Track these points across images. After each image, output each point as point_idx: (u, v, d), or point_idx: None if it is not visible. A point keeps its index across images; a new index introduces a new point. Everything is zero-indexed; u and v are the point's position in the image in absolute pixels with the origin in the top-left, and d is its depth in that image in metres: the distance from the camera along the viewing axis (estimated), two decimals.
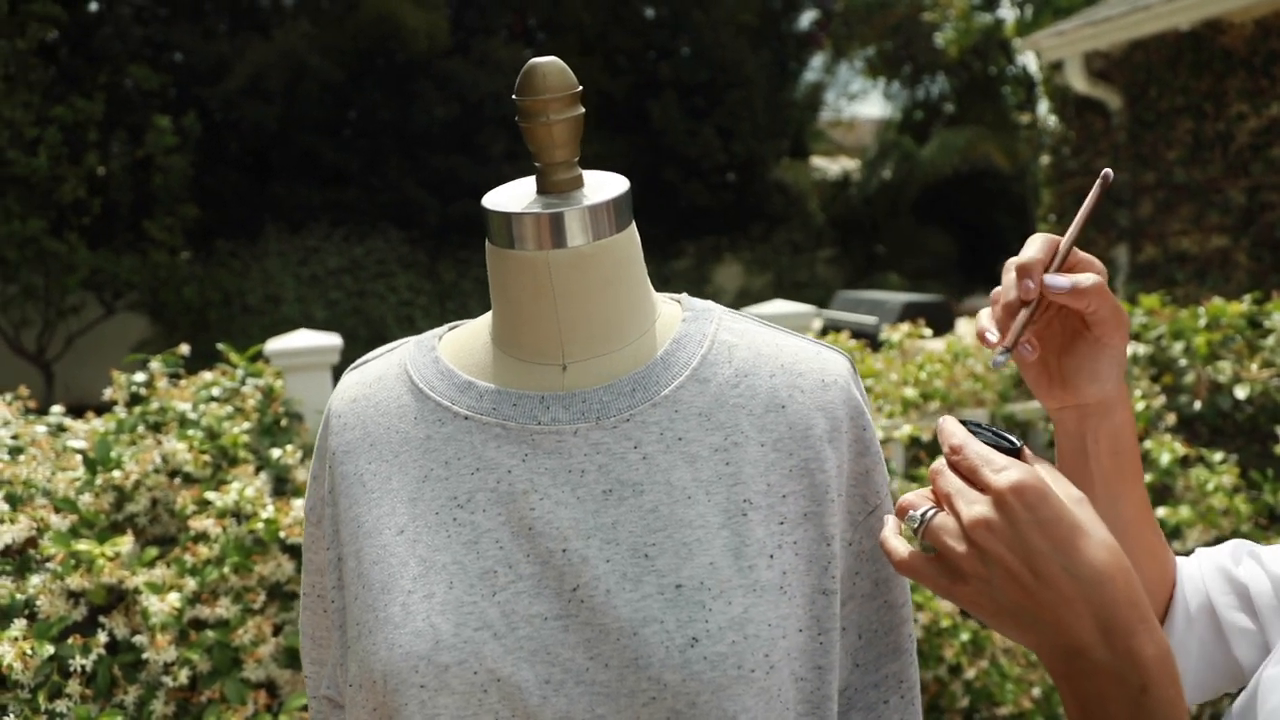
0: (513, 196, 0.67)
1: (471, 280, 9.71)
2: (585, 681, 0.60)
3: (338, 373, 2.31)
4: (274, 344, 1.94)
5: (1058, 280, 0.58)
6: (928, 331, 2.83)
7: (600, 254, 0.66)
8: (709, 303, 0.72)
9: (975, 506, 0.49)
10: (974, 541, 0.48)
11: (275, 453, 1.80)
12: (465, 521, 0.63)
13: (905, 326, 2.83)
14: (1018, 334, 0.60)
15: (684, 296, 0.73)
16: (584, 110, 0.64)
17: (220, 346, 2.05)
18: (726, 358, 0.67)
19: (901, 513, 0.56)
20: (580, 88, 0.64)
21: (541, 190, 0.66)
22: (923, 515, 0.54)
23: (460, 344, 0.72)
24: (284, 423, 1.92)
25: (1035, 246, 0.60)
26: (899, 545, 0.56)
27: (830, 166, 14.17)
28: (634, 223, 0.69)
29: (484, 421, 0.65)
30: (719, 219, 11.08)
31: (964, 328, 5.78)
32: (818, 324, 6.78)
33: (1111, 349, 0.61)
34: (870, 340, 3.02)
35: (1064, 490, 0.50)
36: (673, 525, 0.61)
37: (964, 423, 0.55)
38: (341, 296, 9.25)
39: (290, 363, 1.94)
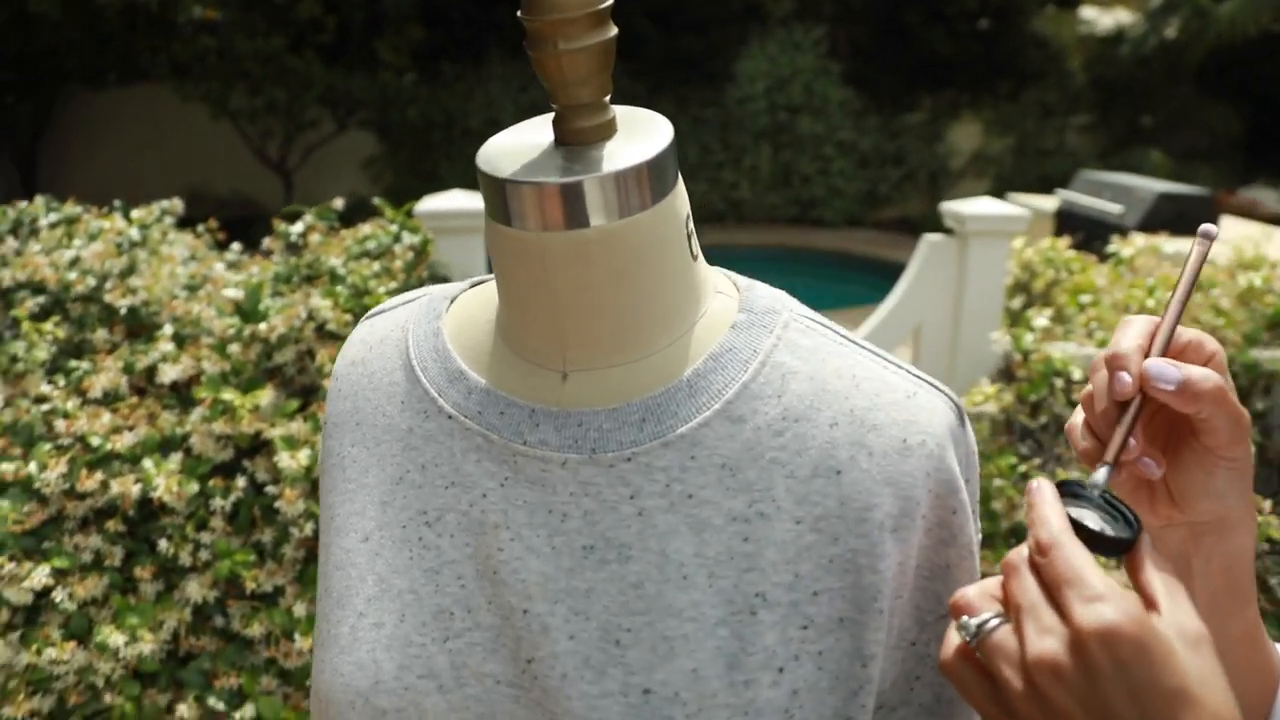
0: (518, 147, 0.53)
1: (689, 120, 9.43)
2: None
3: None
4: (425, 204, 1.89)
5: (1163, 370, 0.47)
6: (1168, 247, 2.37)
7: (617, 238, 0.51)
8: (779, 296, 0.57)
9: (1047, 640, 0.40)
10: (1035, 683, 0.40)
11: None
12: (431, 544, 0.55)
13: (1141, 240, 2.38)
14: (1121, 444, 0.48)
15: (749, 284, 0.57)
16: (614, 33, 0.48)
17: (376, 201, 2.03)
18: (777, 390, 0.52)
19: (956, 613, 0.45)
20: (608, 1, 0.48)
21: (559, 139, 0.52)
22: (979, 625, 0.43)
23: (469, 315, 0.61)
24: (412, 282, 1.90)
25: (1131, 331, 0.50)
26: (951, 638, 0.45)
27: (1102, 19, 12.26)
28: (678, 186, 0.53)
29: (467, 426, 0.55)
30: (962, 71, 10.03)
31: (1235, 229, 4.89)
32: (1050, 205, 6.02)
33: (1230, 461, 0.49)
34: (1111, 232, 2.59)
35: (1178, 626, 0.41)
36: (657, 611, 0.50)
37: (1066, 488, 0.46)
38: None
39: (441, 224, 1.90)
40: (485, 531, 0.54)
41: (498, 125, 9.22)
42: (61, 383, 1.71)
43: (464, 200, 1.94)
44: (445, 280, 1.94)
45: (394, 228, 1.98)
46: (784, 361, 0.53)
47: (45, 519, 1.58)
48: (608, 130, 0.52)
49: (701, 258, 0.57)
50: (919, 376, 0.55)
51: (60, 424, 1.62)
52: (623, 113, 0.54)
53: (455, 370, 0.58)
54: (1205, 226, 0.50)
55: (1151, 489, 0.53)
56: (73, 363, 1.73)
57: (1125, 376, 0.49)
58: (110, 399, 1.72)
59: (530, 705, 0.51)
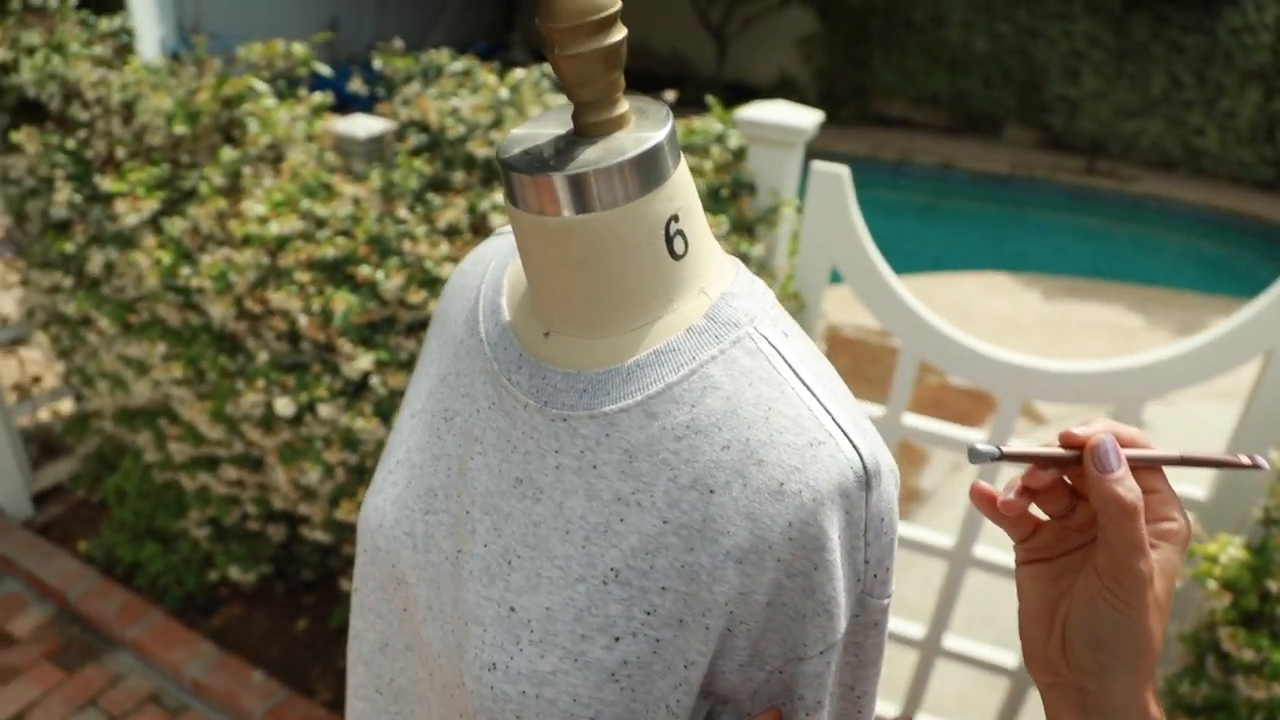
0: (534, 135, 0.59)
1: (1163, 44, 7.97)
2: (446, 624, 0.63)
3: (812, 155, 2.20)
4: (747, 110, 1.90)
5: (1109, 451, 0.48)
6: None
7: (576, 232, 0.56)
8: (755, 310, 0.58)
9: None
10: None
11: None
12: (443, 435, 0.67)
13: None
14: (1027, 454, 0.51)
15: (743, 291, 0.59)
16: (620, 38, 0.51)
17: (709, 98, 2.07)
18: (694, 399, 0.55)
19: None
20: (612, 9, 0.51)
21: (575, 129, 0.57)
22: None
23: None
24: (725, 191, 1.93)
25: (1137, 432, 0.51)
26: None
27: None
28: (666, 188, 0.56)
29: (484, 352, 0.66)
30: None
31: None
32: None
33: (1114, 599, 0.48)
34: None
35: None
36: (541, 550, 0.58)
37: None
38: (1009, 31, 8.42)
39: (756, 134, 1.90)
40: (470, 440, 0.64)
41: (942, 23, 8.57)
42: (419, 210, 2.04)
43: (781, 114, 1.91)
44: (750, 188, 1.95)
45: (719, 127, 2.03)
46: (712, 375, 0.55)
47: (380, 318, 1.96)
48: (613, 125, 0.55)
49: (700, 254, 0.59)
50: (844, 429, 0.53)
51: (408, 245, 1.96)
52: (640, 108, 0.57)
53: (497, 304, 0.68)
54: (1256, 459, 0.50)
55: (1043, 607, 0.52)
56: (431, 196, 2.05)
57: (1082, 429, 0.50)
58: (451, 232, 2.04)
59: (456, 582, 0.62)
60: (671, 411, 0.55)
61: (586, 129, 0.55)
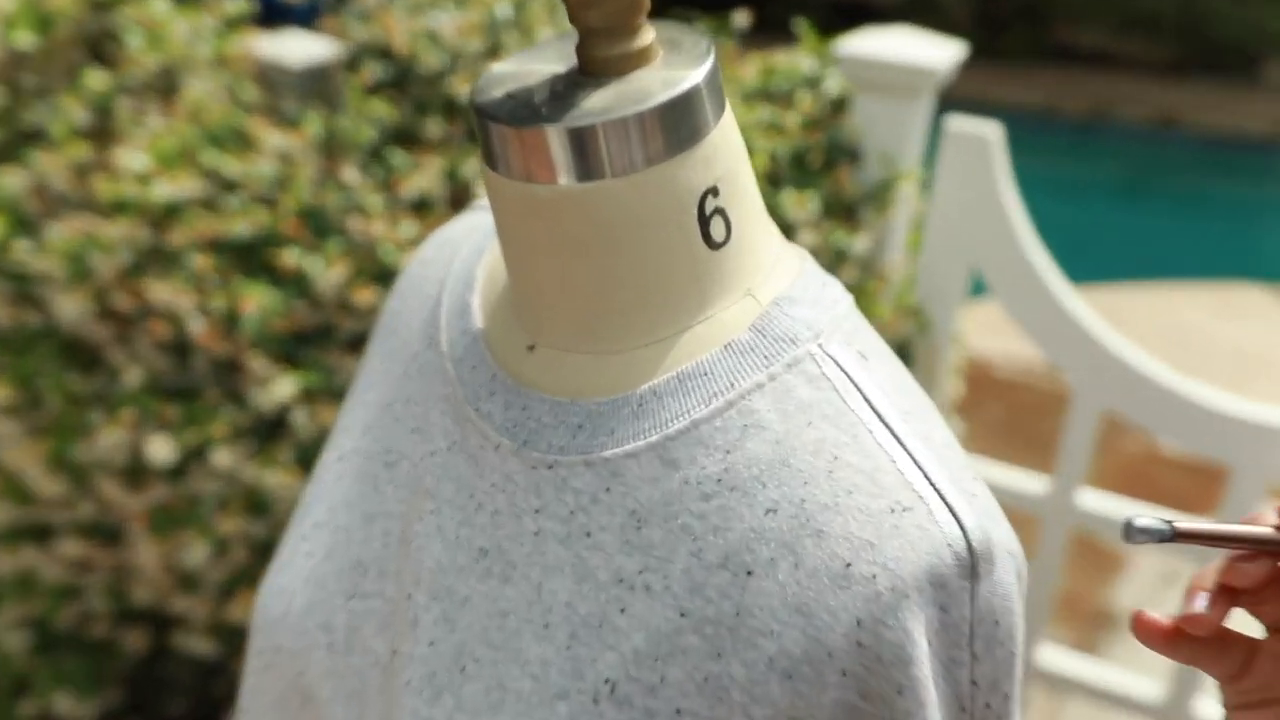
0: (523, 73, 0.62)
1: None
2: None
3: (953, 106, 2.24)
4: (848, 43, 1.95)
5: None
6: None
7: (576, 203, 0.59)
8: (820, 320, 0.62)
9: None
10: None
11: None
12: (380, 488, 0.71)
13: None
14: (1213, 538, 0.54)
15: (791, 290, 0.63)
16: None
17: (797, 22, 2.12)
18: (730, 442, 0.58)
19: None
20: None
21: (580, 67, 0.61)
22: None
23: None
24: (815, 157, 1.97)
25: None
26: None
27: None
28: (704, 148, 0.59)
29: (446, 371, 0.69)
30: None
31: None
32: None
33: None
34: None
35: None
36: (508, 651, 0.61)
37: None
38: None
39: (864, 75, 1.95)
40: (417, 494, 0.68)
41: None
42: (375, 173, 2.11)
43: (911, 46, 1.94)
44: (851, 154, 2.00)
45: (810, 65, 2.07)
46: (757, 410, 0.58)
47: (312, 326, 2.02)
48: (632, 61, 0.58)
49: (749, 242, 0.63)
50: (940, 491, 0.56)
51: (356, 222, 2.02)
52: (670, 39, 0.61)
53: (466, 304, 0.72)
54: None
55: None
56: (393, 152, 2.12)
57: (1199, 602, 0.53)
58: (420, 206, 2.10)
59: (386, 697, 0.65)
60: (698, 459, 0.58)
61: (594, 65, 0.57)
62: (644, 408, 0.60)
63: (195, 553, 2.07)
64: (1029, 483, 2.06)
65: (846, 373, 0.59)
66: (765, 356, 0.59)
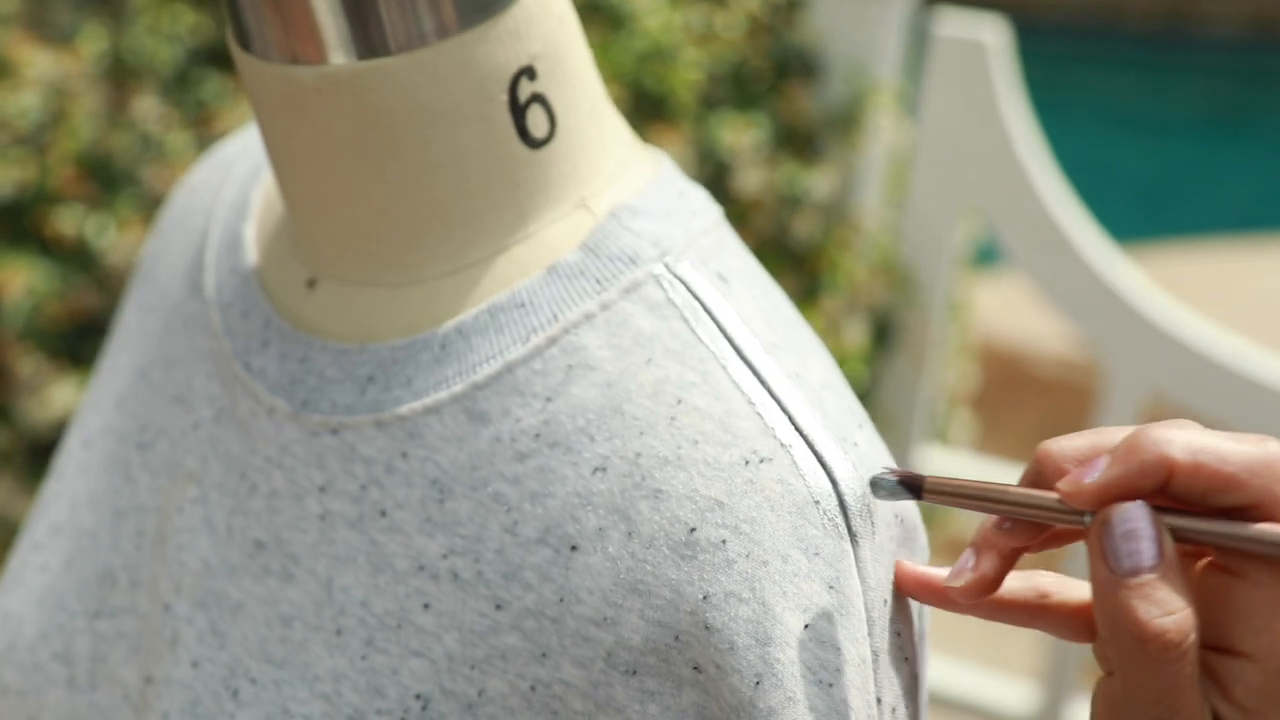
0: None
1: None
2: None
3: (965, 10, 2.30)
4: None
5: (1123, 538, 0.52)
6: None
7: (350, 89, 0.62)
8: (670, 233, 0.66)
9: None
10: None
11: None
12: (134, 475, 0.74)
13: None
14: (965, 495, 0.58)
15: (636, 200, 0.67)
16: None
17: None
18: (552, 387, 0.62)
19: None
20: None
21: None
22: None
23: None
24: (758, 69, 2.02)
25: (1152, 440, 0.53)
26: None
27: None
28: (515, 12, 0.63)
29: (212, 322, 0.73)
30: None
31: None
32: None
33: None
34: None
35: None
36: (293, 667, 0.64)
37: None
38: None
39: None
40: (177, 479, 0.71)
41: None
42: (180, 103, 2.14)
43: None
44: (808, 67, 2.05)
45: None
46: (585, 346, 0.62)
47: (99, 310, 2.04)
48: None
49: (581, 139, 0.67)
50: (807, 436, 0.59)
51: (156, 171, 2.05)
52: None
53: (236, 235, 0.75)
54: None
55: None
56: (204, 76, 2.15)
57: (1088, 472, 0.54)
58: None
59: None
60: (512, 411, 0.61)
61: None
62: (447, 350, 0.63)
63: None
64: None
65: (698, 297, 0.62)
66: (597, 280, 0.63)
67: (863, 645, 0.57)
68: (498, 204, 0.65)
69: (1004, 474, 2.18)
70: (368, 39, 0.60)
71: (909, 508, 0.62)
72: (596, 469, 0.59)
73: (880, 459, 0.62)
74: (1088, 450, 0.54)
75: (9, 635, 0.74)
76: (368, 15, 0.59)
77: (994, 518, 0.56)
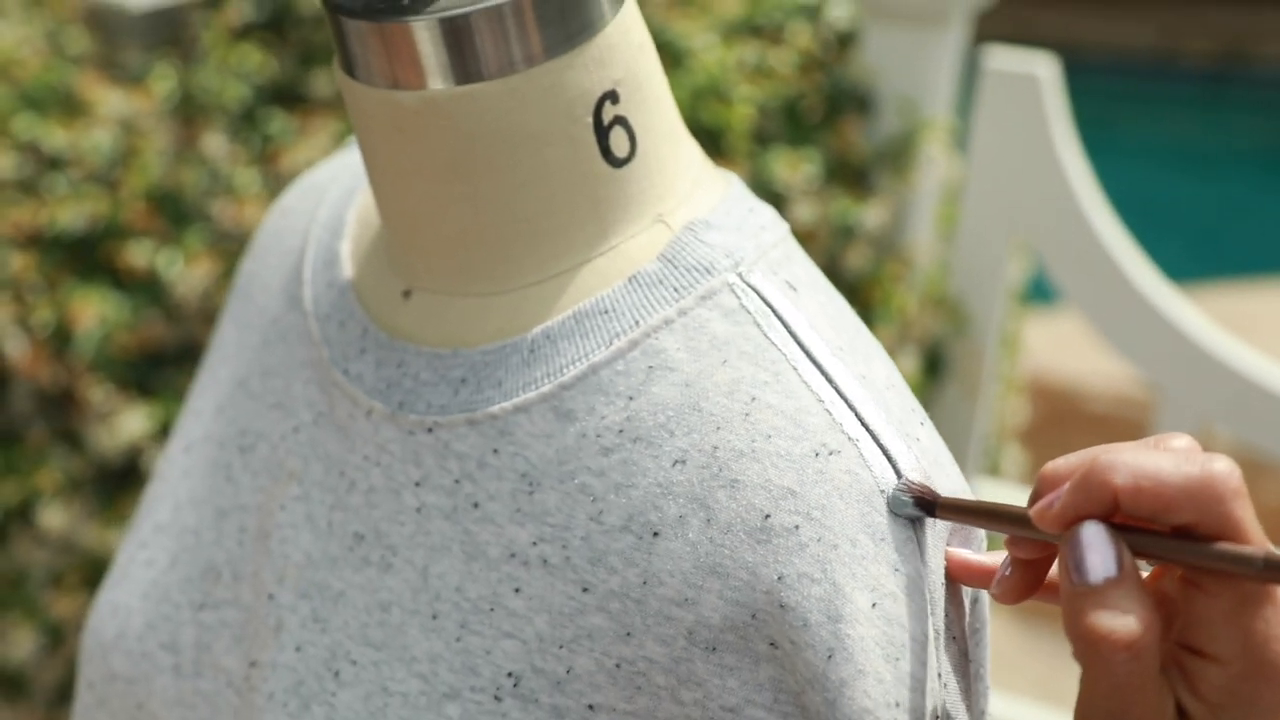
0: None
1: None
2: None
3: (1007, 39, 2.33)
4: None
5: (1082, 552, 0.56)
6: None
7: (445, 112, 0.67)
8: (742, 246, 0.70)
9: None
10: None
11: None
12: (235, 477, 0.79)
13: None
14: (969, 512, 0.63)
15: (710, 215, 0.71)
16: None
17: None
18: (633, 387, 0.66)
19: None
20: None
21: None
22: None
23: None
24: (812, 105, 2.06)
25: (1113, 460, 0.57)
26: None
27: None
28: (599, 41, 0.68)
29: (310, 331, 0.78)
30: None
31: None
32: None
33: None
34: None
35: None
36: (392, 649, 0.68)
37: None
38: None
39: (881, 2, 2.04)
40: (279, 479, 0.76)
41: None
42: (248, 141, 2.19)
43: None
44: (861, 102, 2.09)
45: None
46: (665, 349, 0.66)
47: (169, 342, 2.09)
48: None
49: (658, 159, 0.72)
50: (874, 431, 0.63)
51: (224, 205, 2.10)
52: None
53: (334, 253, 0.80)
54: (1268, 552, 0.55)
55: None
56: (271, 114, 2.20)
57: (1060, 499, 0.58)
58: None
59: (238, 713, 0.72)
60: (597, 409, 0.65)
61: None
62: (536, 354, 0.67)
63: (19, 644, 2.08)
64: None
65: (770, 304, 0.67)
66: (675, 289, 0.67)
67: (925, 623, 0.61)
68: (582, 219, 0.69)
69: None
70: (464, 66, 0.65)
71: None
72: (676, 461, 0.64)
73: (940, 454, 0.66)
74: (1078, 469, 0.57)
75: (118, 625, 0.78)
76: (464, 45, 0.64)
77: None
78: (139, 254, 2.07)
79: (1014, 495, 2.35)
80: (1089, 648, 0.54)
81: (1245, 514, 0.53)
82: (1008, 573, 0.61)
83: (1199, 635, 0.55)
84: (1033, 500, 0.59)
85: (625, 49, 0.69)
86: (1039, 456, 3.59)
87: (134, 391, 2.06)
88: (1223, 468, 0.53)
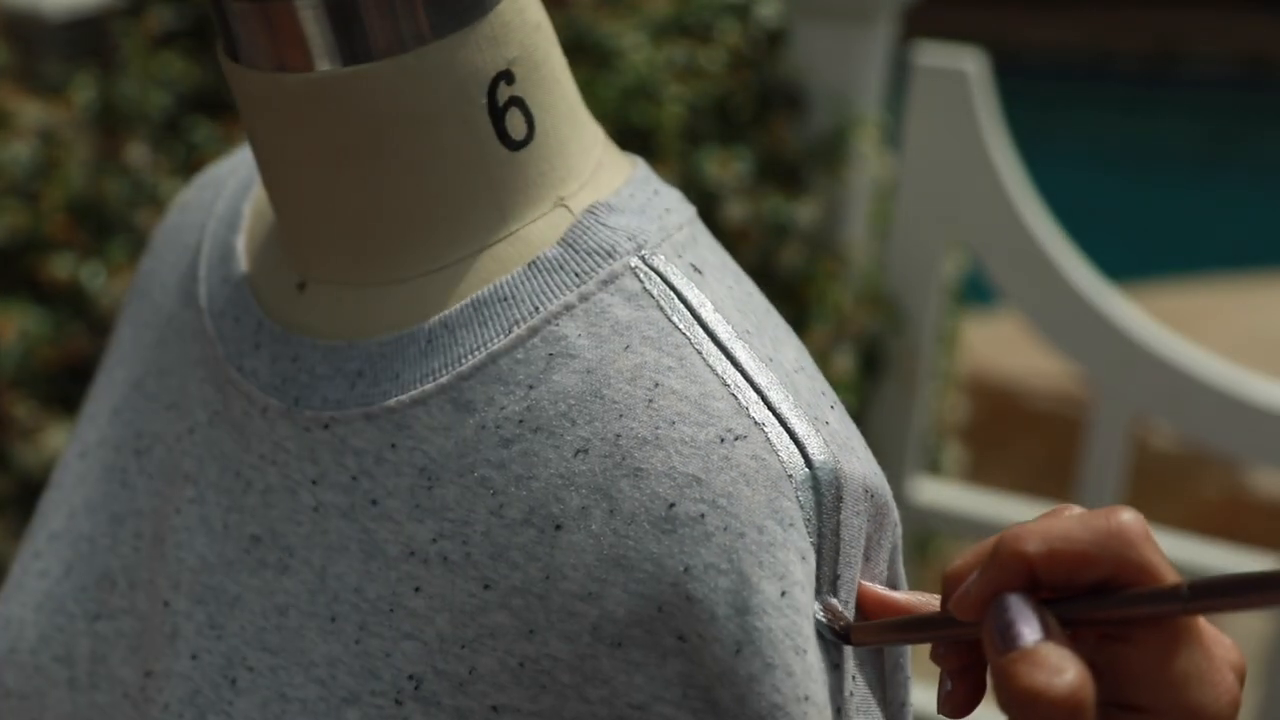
0: None
1: None
2: None
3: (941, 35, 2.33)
4: None
5: (1004, 624, 0.56)
6: None
7: (335, 96, 0.66)
8: (645, 228, 0.69)
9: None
10: None
11: None
12: (131, 481, 0.78)
13: None
14: (889, 634, 0.61)
15: (612, 198, 0.70)
16: None
17: None
18: (534, 375, 0.65)
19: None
20: None
21: None
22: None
23: None
24: (743, 104, 2.06)
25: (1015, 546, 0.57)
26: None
27: None
28: (494, 18, 0.66)
29: (205, 329, 0.76)
30: None
31: None
32: None
33: None
34: None
35: None
36: (289, 653, 0.66)
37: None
38: None
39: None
40: (174, 481, 0.74)
41: None
42: (171, 150, 2.17)
43: None
44: (791, 100, 2.09)
45: None
46: (565, 336, 0.65)
47: (95, 355, 2.06)
48: None
49: (558, 141, 0.70)
50: (781, 415, 0.62)
51: (147, 216, 2.08)
52: None
53: (228, 246, 0.78)
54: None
55: None
56: (196, 123, 2.18)
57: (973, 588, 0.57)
58: None
59: None
60: (496, 399, 0.64)
61: None
62: (433, 344, 0.66)
63: None
64: (1032, 514, 2.13)
65: (674, 288, 0.65)
66: (576, 274, 0.66)
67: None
68: (479, 204, 0.68)
69: (996, 505, 2.21)
70: (351, 46, 0.63)
71: (879, 484, 0.65)
72: (578, 451, 0.62)
73: (851, 437, 0.65)
74: (975, 563, 0.57)
75: (10, 639, 0.76)
76: (351, 24, 0.63)
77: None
78: (61, 266, 2.06)
79: (955, 494, 2.36)
80: (1027, 709, 0.53)
81: (1159, 557, 0.53)
82: (949, 688, 0.60)
83: (1130, 690, 0.55)
84: (944, 604, 0.58)
85: (520, 28, 0.67)
86: (979, 455, 3.61)
87: (58, 407, 2.05)
88: (1128, 517, 0.53)
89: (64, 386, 2.06)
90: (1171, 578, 0.52)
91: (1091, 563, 0.53)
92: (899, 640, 0.60)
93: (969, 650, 0.60)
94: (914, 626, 0.59)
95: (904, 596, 0.63)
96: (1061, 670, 0.52)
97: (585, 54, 2.15)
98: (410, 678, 0.63)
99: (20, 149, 2.15)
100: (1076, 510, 0.56)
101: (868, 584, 0.64)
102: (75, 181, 2.12)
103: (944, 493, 2.29)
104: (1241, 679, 0.56)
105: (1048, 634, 0.53)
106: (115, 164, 2.15)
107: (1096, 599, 0.54)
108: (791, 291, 2.06)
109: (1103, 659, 0.55)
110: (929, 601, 0.63)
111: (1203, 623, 0.56)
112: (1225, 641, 0.57)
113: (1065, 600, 0.54)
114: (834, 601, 0.61)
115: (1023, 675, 0.52)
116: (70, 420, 2.01)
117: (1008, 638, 0.53)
